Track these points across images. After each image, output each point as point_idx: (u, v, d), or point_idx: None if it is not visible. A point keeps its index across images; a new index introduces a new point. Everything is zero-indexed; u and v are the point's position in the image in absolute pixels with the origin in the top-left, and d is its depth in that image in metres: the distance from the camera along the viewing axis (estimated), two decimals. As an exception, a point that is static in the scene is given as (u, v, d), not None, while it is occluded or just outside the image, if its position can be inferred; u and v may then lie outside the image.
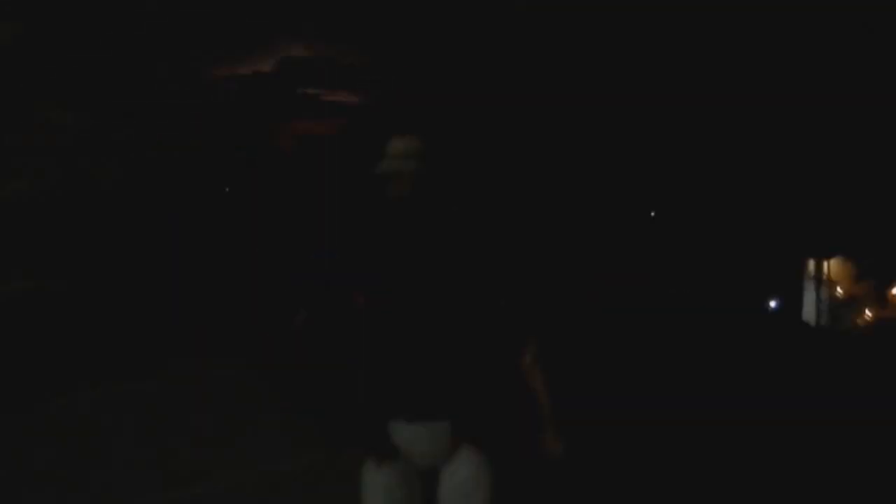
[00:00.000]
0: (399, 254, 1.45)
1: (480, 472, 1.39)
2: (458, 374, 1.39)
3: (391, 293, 1.42)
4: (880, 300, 4.63)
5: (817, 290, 4.73)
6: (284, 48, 5.75)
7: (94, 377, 3.12)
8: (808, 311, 5.24)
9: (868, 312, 4.60)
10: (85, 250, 4.15)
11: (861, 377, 3.58)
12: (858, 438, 2.45)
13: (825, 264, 4.65)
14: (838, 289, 4.75)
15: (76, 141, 4.60)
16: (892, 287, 4.34)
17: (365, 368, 1.46)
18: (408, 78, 5.00)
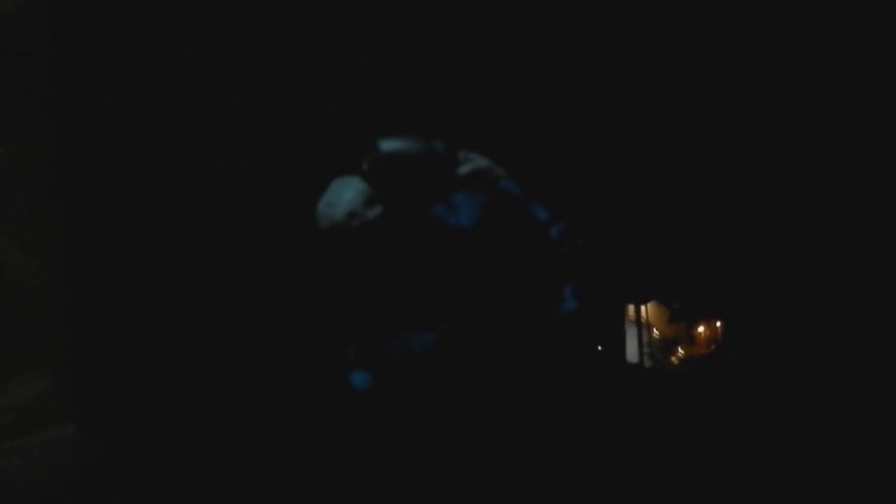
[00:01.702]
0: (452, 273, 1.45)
1: None
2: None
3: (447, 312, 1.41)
4: (690, 339, 5.20)
5: (639, 332, 5.13)
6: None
7: None
8: (631, 352, 5.70)
9: (681, 350, 5.12)
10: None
11: (672, 408, 3.94)
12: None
13: (643, 308, 5.09)
14: (655, 330, 5.20)
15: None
16: (698, 326, 4.95)
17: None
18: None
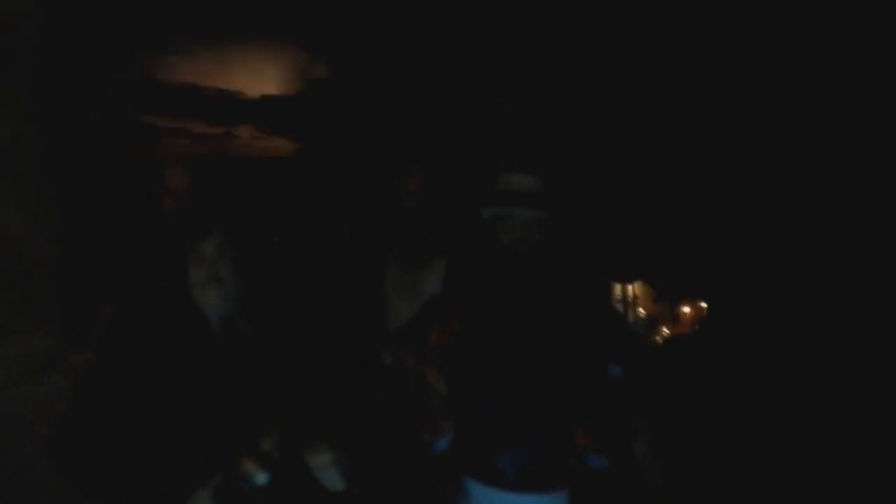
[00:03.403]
0: (514, 309, 1.41)
1: None
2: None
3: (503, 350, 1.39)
4: (673, 318, 5.31)
5: (625, 311, 5.23)
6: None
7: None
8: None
9: (665, 329, 5.24)
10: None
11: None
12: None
13: (630, 287, 5.18)
14: (640, 309, 5.32)
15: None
16: (682, 306, 5.04)
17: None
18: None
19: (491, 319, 1.45)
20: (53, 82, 2.38)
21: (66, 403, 1.54)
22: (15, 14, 2.27)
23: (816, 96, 3.80)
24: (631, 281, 5.34)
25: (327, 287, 1.87)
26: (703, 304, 5.33)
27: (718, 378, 3.43)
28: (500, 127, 3.98)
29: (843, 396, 3.09)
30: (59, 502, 1.77)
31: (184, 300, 1.44)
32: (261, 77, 4.46)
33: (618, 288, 5.23)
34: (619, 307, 5.85)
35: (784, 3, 3.67)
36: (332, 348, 1.53)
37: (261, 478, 1.27)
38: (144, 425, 1.39)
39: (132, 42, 3.48)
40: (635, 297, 5.39)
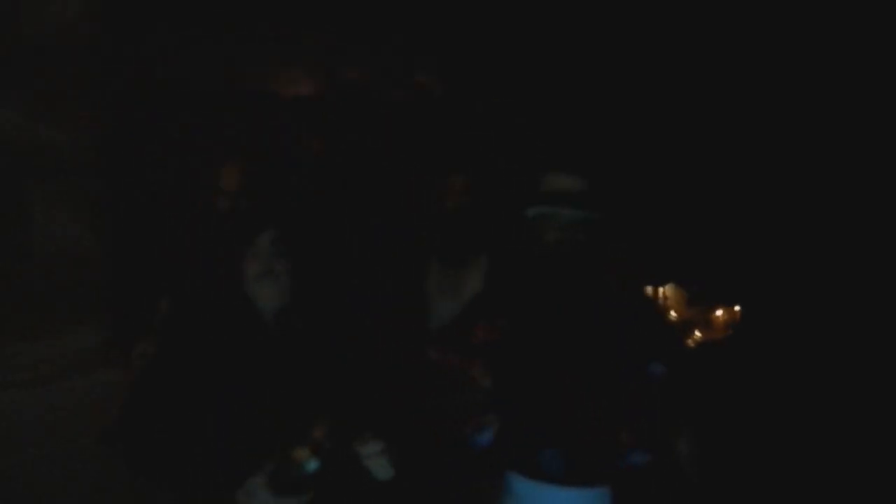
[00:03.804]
0: (557, 307, 1.43)
1: None
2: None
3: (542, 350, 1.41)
4: (707, 323, 5.26)
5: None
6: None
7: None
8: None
9: (697, 333, 5.19)
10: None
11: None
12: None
13: (661, 290, 5.15)
14: (672, 313, 5.27)
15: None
16: (715, 310, 4.97)
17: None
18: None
19: (535, 317, 1.48)
20: (106, 84, 2.47)
21: (123, 395, 1.61)
22: (69, 17, 2.36)
23: (854, 99, 3.75)
24: (662, 283, 5.30)
25: (375, 283, 1.92)
26: (737, 309, 5.24)
27: (758, 377, 3.40)
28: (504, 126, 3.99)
29: (873, 394, 3.06)
30: (109, 488, 1.85)
31: (239, 294, 1.50)
32: (294, 78, 4.53)
33: (649, 290, 5.20)
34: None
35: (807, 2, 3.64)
36: (380, 343, 1.58)
37: (312, 465, 1.32)
38: (200, 416, 1.44)
39: (176, 43, 3.56)
40: (666, 299, 5.37)
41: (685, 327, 5.95)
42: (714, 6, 4.08)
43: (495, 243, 1.91)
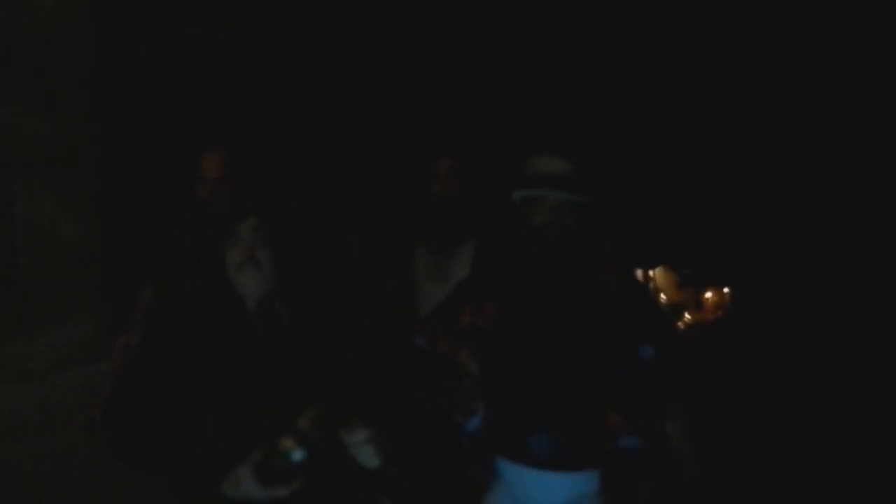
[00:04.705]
0: (545, 291, 1.40)
1: None
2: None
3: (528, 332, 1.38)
4: (697, 305, 5.28)
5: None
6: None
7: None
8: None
9: (688, 315, 5.21)
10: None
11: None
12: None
13: (650, 273, 5.16)
14: (662, 295, 5.29)
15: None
16: (706, 292, 4.99)
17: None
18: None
19: (522, 301, 1.46)
20: (98, 81, 2.42)
21: (110, 386, 1.59)
22: (62, 15, 2.31)
23: (851, 88, 3.74)
24: (652, 266, 5.30)
25: (361, 270, 1.89)
26: (727, 291, 5.24)
27: (749, 358, 3.41)
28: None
29: (864, 376, 3.07)
30: (105, 481, 1.83)
31: (221, 283, 1.47)
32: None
33: (639, 273, 5.19)
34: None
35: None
36: (366, 329, 1.56)
37: (298, 455, 1.30)
38: (185, 406, 1.42)
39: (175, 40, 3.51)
40: (656, 282, 5.38)
41: (675, 310, 6.00)
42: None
43: (482, 228, 1.88)
